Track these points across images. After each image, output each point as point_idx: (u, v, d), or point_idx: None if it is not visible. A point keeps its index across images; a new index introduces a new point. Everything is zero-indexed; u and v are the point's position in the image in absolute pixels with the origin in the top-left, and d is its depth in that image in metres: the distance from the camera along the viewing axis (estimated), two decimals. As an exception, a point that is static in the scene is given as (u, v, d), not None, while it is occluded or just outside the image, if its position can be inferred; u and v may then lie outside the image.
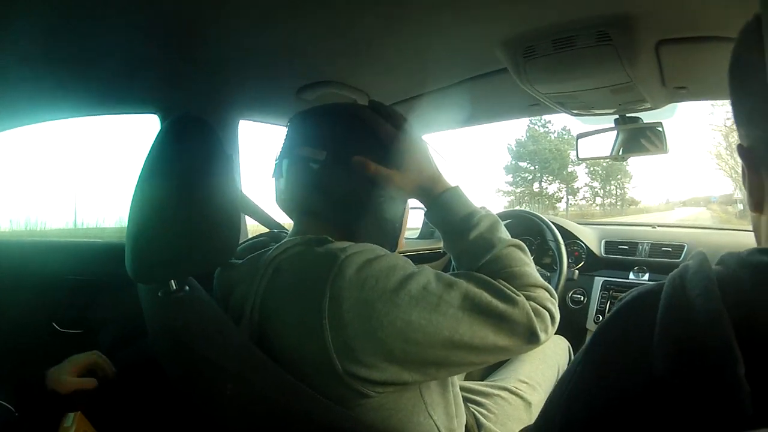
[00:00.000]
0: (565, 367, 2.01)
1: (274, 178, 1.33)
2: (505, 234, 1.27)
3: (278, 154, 1.31)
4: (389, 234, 1.32)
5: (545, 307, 1.16)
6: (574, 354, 2.26)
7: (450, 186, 1.29)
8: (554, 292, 1.24)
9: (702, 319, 0.56)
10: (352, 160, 1.20)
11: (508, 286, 1.13)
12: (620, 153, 2.48)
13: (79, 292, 2.12)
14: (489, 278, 1.13)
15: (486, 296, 1.08)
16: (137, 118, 2.19)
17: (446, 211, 1.27)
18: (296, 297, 1.07)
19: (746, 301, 0.58)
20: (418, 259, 3.06)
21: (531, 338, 1.11)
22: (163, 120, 2.09)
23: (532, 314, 1.11)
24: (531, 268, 1.23)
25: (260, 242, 1.41)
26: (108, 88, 1.86)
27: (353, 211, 1.26)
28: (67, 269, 2.17)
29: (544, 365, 2.00)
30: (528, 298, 1.14)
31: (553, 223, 2.74)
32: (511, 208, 3.27)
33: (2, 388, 1.32)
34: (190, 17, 1.37)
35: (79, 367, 1.37)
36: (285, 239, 1.21)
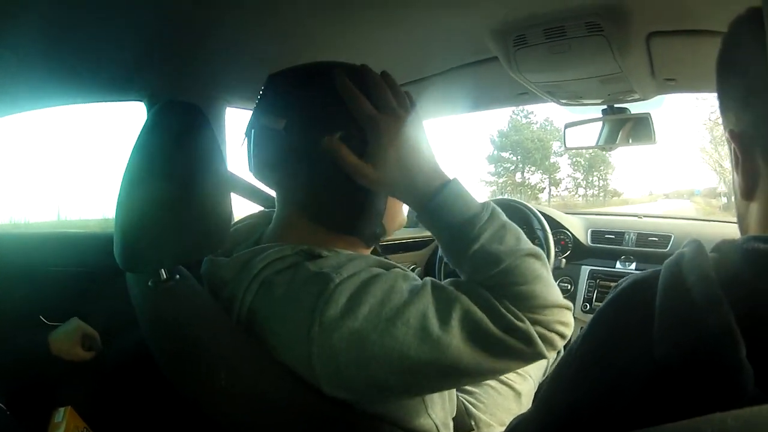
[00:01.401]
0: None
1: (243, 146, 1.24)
2: (515, 240, 1.11)
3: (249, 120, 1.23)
4: (368, 223, 1.19)
5: (555, 331, 1.05)
6: None
7: (444, 182, 1.11)
8: (571, 306, 1.11)
9: (701, 304, 0.57)
10: (323, 141, 1.08)
11: (514, 310, 1.01)
12: (608, 143, 2.48)
13: (65, 283, 2.11)
14: (494, 300, 1.02)
15: (487, 324, 0.99)
16: (122, 106, 2.18)
17: (440, 218, 1.10)
18: (285, 318, 1.04)
19: (744, 286, 0.59)
20: (404, 247, 3.10)
21: (534, 359, 1.04)
22: (149, 107, 2.08)
23: (538, 340, 1.01)
24: (543, 284, 1.06)
25: (249, 226, 1.36)
26: (94, 75, 1.83)
27: (320, 193, 1.16)
28: (53, 261, 2.16)
29: None
30: (535, 322, 1.02)
31: (539, 211, 2.75)
32: (496, 197, 3.28)
33: None
34: (176, 2, 1.36)
35: (78, 336, 1.36)
36: (270, 245, 1.13)
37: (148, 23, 1.44)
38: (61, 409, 1.22)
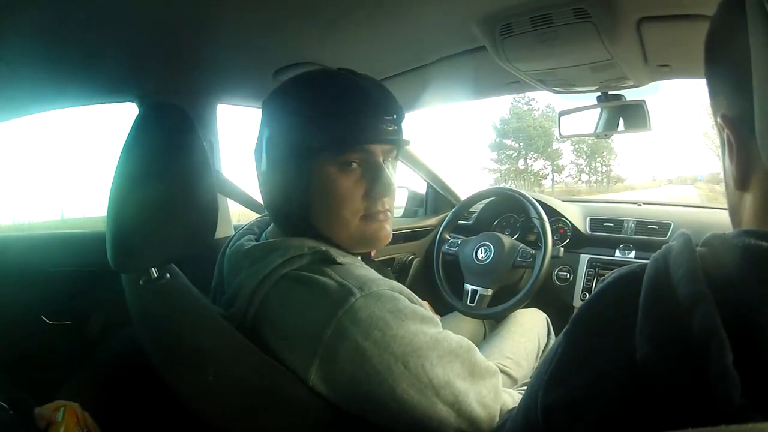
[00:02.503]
0: (545, 339, 2.13)
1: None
2: None
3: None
4: (280, 217, 1.27)
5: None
6: (553, 327, 2.28)
7: None
8: None
9: (685, 303, 0.54)
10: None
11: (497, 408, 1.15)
12: (604, 130, 2.47)
13: (65, 283, 2.12)
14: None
15: (470, 402, 1.09)
16: (116, 106, 2.17)
17: None
18: (299, 314, 1.08)
19: (732, 285, 0.56)
20: (403, 237, 3.11)
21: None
22: (140, 107, 2.08)
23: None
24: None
25: (266, 222, 1.42)
26: (85, 78, 1.84)
27: (267, 197, 1.27)
28: (53, 261, 2.17)
29: (525, 339, 2.03)
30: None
31: (536, 200, 2.73)
32: (496, 186, 3.28)
33: None
34: (165, 1, 1.35)
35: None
36: (285, 240, 1.19)
37: (136, 22, 1.44)
38: (62, 408, 1.21)
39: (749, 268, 0.56)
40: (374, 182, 1.20)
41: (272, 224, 1.33)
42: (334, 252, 1.16)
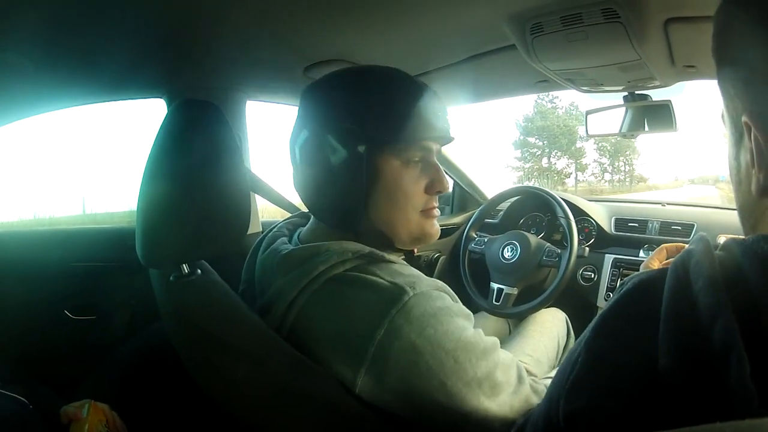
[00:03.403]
0: (564, 338, 2.14)
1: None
2: None
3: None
4: (360, 219, 1.21)
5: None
6: (578, 327, 2.28)
7: None
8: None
9: (706, 315, 0.55)
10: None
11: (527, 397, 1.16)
12: (629, 130, 2.46)
13: (89, 278, 2.14)
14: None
15: (507, 395, 1.12)
16: (144, 103, 2.18)
17: None
18: (346, 316, 1.07)
19: (750, 294, 0.56)
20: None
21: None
22: (169, 104, 2.09)
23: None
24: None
25: (297, 223, 1.43)
26: (113, 74, 1.85)
27: (320, 193, 1.23)
28: (76, 256, 2.19)
29: (546, 338, 2.04)
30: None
31: (562, 198, 2.72)
32: (521, 184, 3.27)
33: (17, 380, 1.32)
34: (194, -1, 1.36)
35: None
36: (326, 244, 1.16)
37: (165, 17, 1.45)
38: (86, 404, 1.22)
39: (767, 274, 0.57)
40: (435, 178, 1.24)
41: (308, 225, 1.32)
42: (379, 253, 1.17)
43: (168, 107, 2.09)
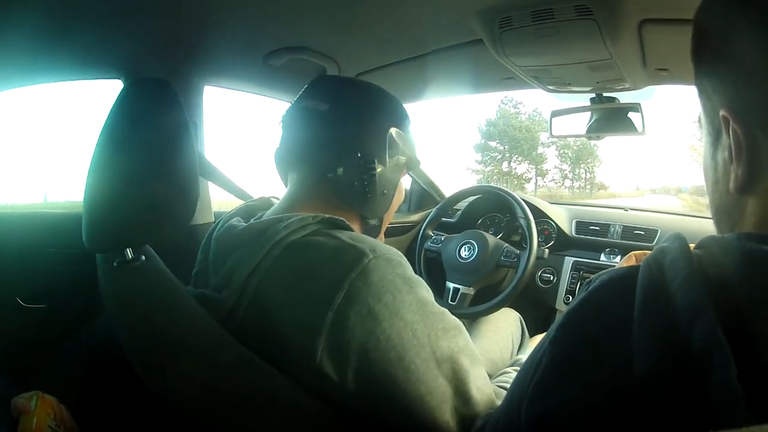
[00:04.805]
0: (519, 338, 2.21)
1: (280, 125, 1.33)
2: None
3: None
4: (376, 206, 1.31)
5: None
6: (536, 328, 2.30)
7: None
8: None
9: (685, 314, 0.52)
10: (384, 131, 1.27)
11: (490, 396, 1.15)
12: (596, 132, 2.45)
13: (43, 264, 2.07)
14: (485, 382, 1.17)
15: (469, 382, 1.09)
16: (102, 83, 2.13)
17: None
18: (306, 281, 1.04)
19: (733, 293, 0.53)
20: (386, 232, 3.06)
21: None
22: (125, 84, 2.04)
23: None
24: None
25: (249, 207, 1.41)
26: (71, 52, 1.79)
27: (344, 169, 1.25)
28: (28, 241, 2.11)
29: (499, 337, 2.10)
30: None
31: (523, 200, 2.71)
32: (482, 184, 3.27)
33: None
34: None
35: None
36: (288, 215, 1.16)
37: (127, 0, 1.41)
38: (34, 396, 1.17)
39: (751, 273, 0.54)
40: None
41: (281, 202, 1.32)
42: (339, 218, 1.17)
43: (125, 84, 2.04)
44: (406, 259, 1.14)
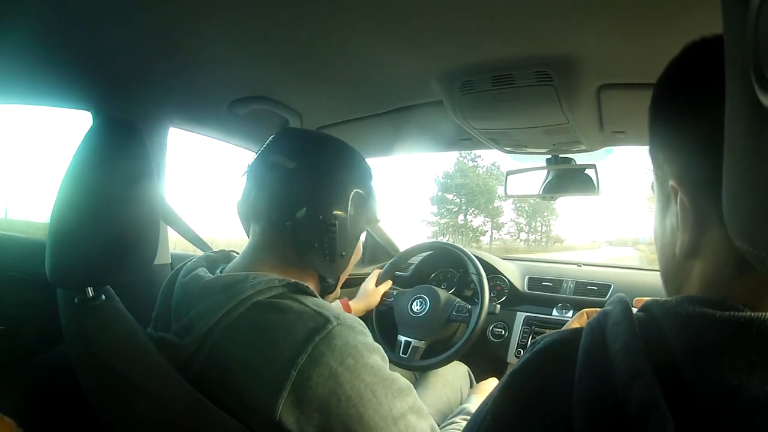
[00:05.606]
0: (467, 389, 2.24)
1: (244, 177, 1.35)
2: None
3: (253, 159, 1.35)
4: (335, 267, 1.35)
5: None
6: (475, 377, 2.31)
7: None
8: None
9: (623, 378, 0.53)
10: (346, 192, 1.30)
11: None
12: (549, 192, 2.49)
13: (2, 288, 2.04)
14: None
15: None
16: (70, 113, 2.12)
17: None
18: (268, 340, 1.08)
19: (673, 357, 0.54)
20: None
21: None
22: (95, 118, 2.03)
23: None
24: None
25: (216, 259, 1.43)
26: (44, 78, 1.77)
27: (306, 230, 1.27)
28: None
29: (448, 389, 2.14)
30: None
31: (476, 256, 2.74)
32: (435, 239, 3.28)
33: None
34: (132, 16, 1.33)
35: None
36: (254, 273, 1.20)
37: (96, 31, 1.42)
38: None
39: (689, 335, 0.55)
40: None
41: (240, 258, 1.34)
42: (303, 284, 1.20)
43: (93, 121, 2.03)
44: (366, 327, 1.20)
